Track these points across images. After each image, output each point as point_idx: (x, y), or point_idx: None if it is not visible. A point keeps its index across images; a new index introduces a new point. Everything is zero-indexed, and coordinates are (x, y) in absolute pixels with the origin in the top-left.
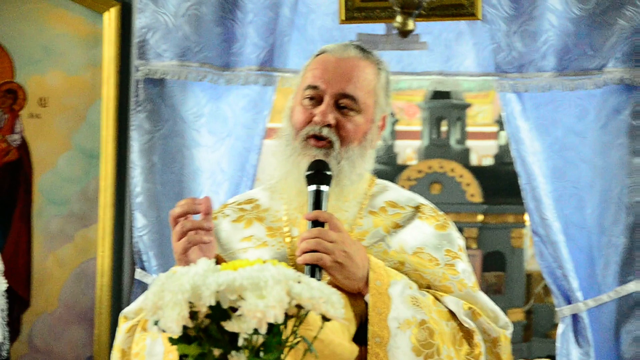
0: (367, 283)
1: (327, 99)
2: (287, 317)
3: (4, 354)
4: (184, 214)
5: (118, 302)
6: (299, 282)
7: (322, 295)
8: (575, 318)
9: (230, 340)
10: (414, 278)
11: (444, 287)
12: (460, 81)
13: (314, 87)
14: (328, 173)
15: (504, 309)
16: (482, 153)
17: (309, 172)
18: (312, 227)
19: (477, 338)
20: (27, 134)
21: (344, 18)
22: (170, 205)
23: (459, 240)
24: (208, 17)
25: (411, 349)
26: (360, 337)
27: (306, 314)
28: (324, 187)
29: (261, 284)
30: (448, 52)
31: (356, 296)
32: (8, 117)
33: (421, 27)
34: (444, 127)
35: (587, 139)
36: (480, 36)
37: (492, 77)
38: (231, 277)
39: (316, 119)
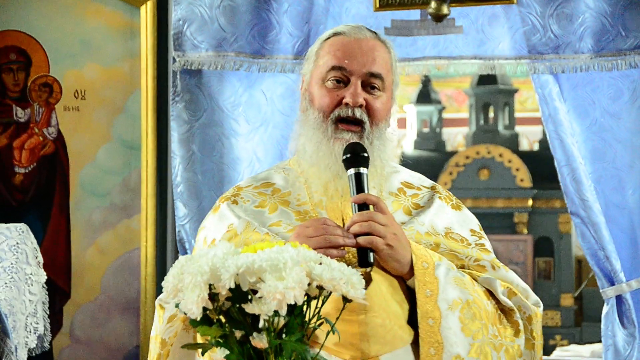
0: (411, 267)
1: (355, 80)
2: (310, 298)
3: (47, 345)
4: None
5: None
6: (320, 264)
7: (342, 276)
8: (619, 299)
9: (252, 322)
10: (449, 259)
11: (478, 267)
12: (504, 65)
13: (339, 68)
14: (365, 155)
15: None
16: (534, 138)
17: (346, 156)
18: (358, 211)
19: (516, 316)
20: (64, 127)
21: (378, 5)
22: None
23: (475, 219)
24: (243, 7)
25: (460, 329)
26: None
27: (329, 295)
28: (363, 170)
29: (280, 265)
30: (483, 35)
31: (399, 280)
32: (44, 110)
33: (456, 12)
34: (491, 113)
35: (622, 119)
36: (516, 19)
37: (528, 60)
38: (250, 259)
39: (347, 100)
